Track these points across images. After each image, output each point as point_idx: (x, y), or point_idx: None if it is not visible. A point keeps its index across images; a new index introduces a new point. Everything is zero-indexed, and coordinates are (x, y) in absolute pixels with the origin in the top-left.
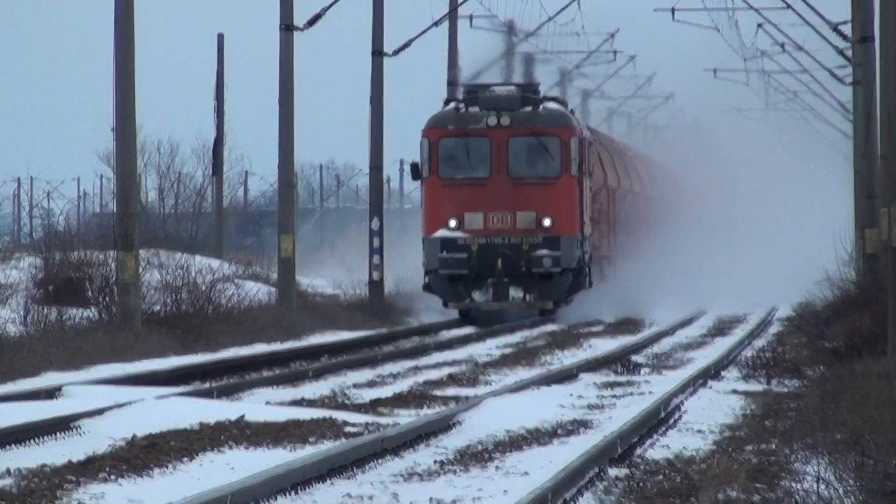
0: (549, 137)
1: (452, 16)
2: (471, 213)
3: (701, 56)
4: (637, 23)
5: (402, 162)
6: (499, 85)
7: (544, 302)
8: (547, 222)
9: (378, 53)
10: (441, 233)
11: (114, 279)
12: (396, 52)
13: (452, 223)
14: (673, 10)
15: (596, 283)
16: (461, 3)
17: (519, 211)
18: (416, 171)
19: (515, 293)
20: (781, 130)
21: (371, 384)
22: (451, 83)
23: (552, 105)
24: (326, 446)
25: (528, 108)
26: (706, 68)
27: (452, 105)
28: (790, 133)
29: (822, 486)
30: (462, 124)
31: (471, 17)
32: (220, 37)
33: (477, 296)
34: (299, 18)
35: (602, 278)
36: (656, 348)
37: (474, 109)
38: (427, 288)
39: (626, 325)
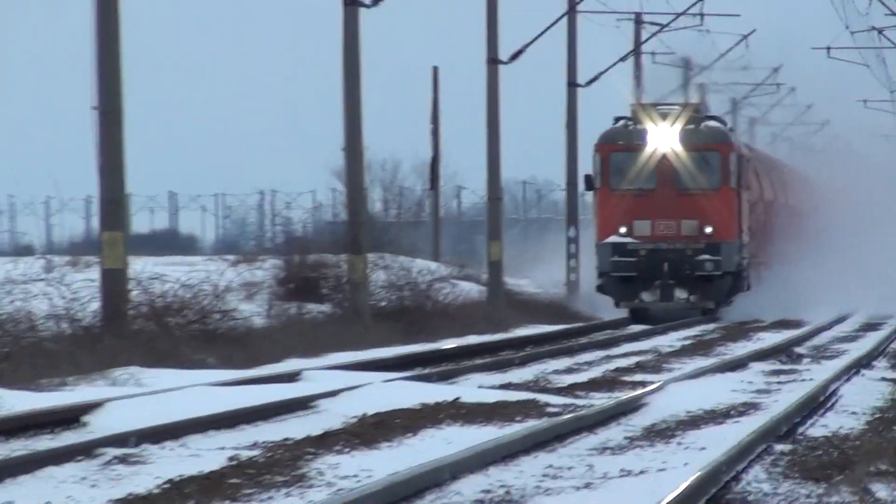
0: (711, 152)
1: (637, 52)
2: (639, 221)
3: (853, 88)
4: (797, 59)
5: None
6: (665, 105)
7: (706, 302)
8: (709, 229)
9: (572, 84)
10: (612, 239)
11: (345, 279)
12: (588, 84)
13: (622, 230)
14: (828, 49)
15: (754, 286)
16: (644, 41)
17: (683, 219)
18: (589, 183)
19: (680, 294)
20: None
21: (569, 371)
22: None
23: (713, 123)
24: (530, 424)
25: (692, 126)
26: (858, 99)
27: (622, 122)
28: None
29: None
30: (631, 140)
31: (653, 54)
32: (436, 69)
33: (645, 296)
34: (504, 53)
35: (759, 282)
36: (815, 341)
37: (640, 128)
38: (600, 289)
39: (784, 322)
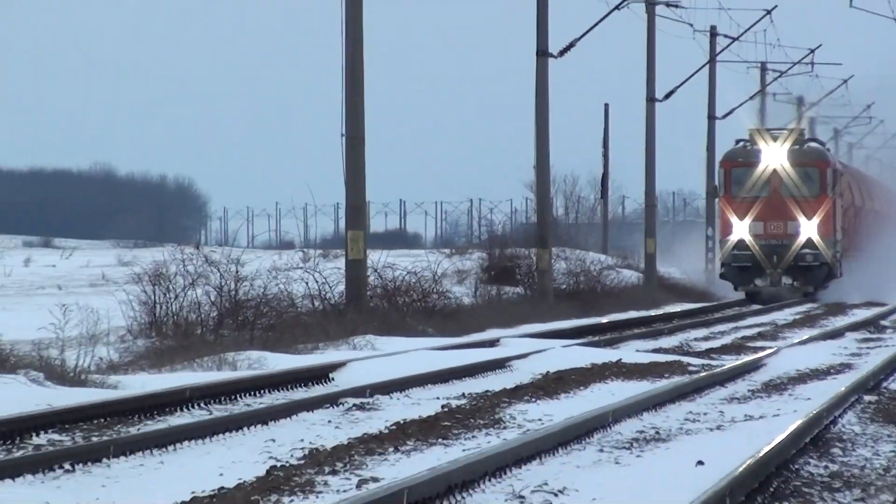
0: (811, 167)
1: (762, 92)
2: (754, 222)
3: None
4: (886, 96)
5: None
6: (775, 129)
7: (806, 287)
8: (812, 229)
9: (711, 118)
10: (733, 236)
11: (534, 267)
12: (724, 117)
13: (741, 228)
14: None
15: (845, 274)
16: (768, 84)
17: (789, 220)
18: (714, 192)
19: (786, 280)
20: None
21: (705, 338)
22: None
23: (814, 144)
24: (676, 380)
25: (797, 146)
26: None
27: (741, 143)
28: None
29: None
30: (748, 158)
31: (774, 95)
32: (606, 106)
33: (758, 281)
34: (659, 92)
35: (849, 271)
36: (895, 317)
37: (758, 146)
38: (723, 276)
39: (870, 303)
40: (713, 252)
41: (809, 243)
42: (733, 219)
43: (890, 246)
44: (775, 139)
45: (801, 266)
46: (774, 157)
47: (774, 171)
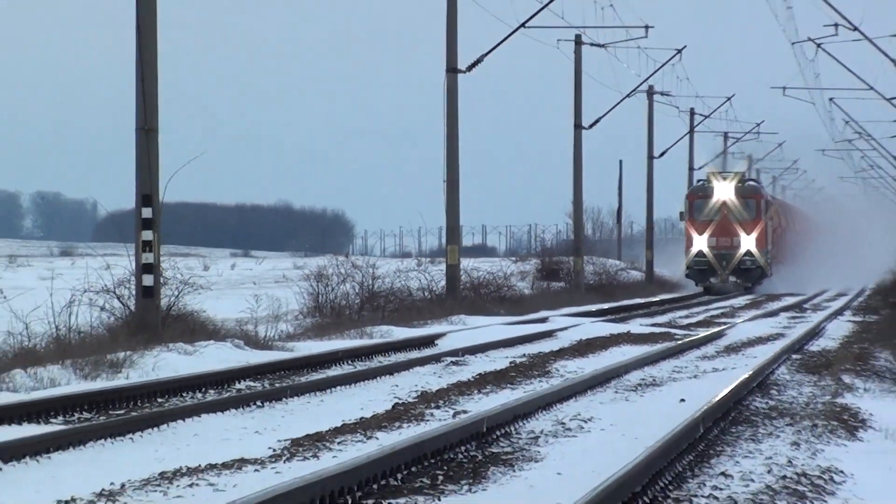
0: (751, 199)
1: (724, 154)
2: (710, 237)
3: (821, 144)
4: (801, 144)
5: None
6: (725, 172)
7: (746, 283)
8: (749, 242)
9: (691, 169)
10: (695, 248)
11: (572, 269)
12: (700, 168)
13: (701, 242)
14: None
15: (774, 275)
16: (730, 146)
17: (734, 237)
18: (682, 216)
19: (732, 278)
20: (865, 186)
21: (686, 317)
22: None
23: (752, 182)
24: (666, 344)
25: (740, 184)
26: (817, 149)
27: (700, 182)
28: (872, 190)
29: (885, 362)
30: (705, 193)
31: (732, 154)
32: (621, 162)
33: (712, 280)
34: (657, 152)
35: (777, 272)
36: (812, 302)
37: (712, 185)
38: (687, 276)
39: (793, 294)
40: None
41: (749, 253)
42: (695, 235)
43: (804, 255)
44: (725, 178)
45: (742, 269)
46: (724, 191)
47: (724, 201)
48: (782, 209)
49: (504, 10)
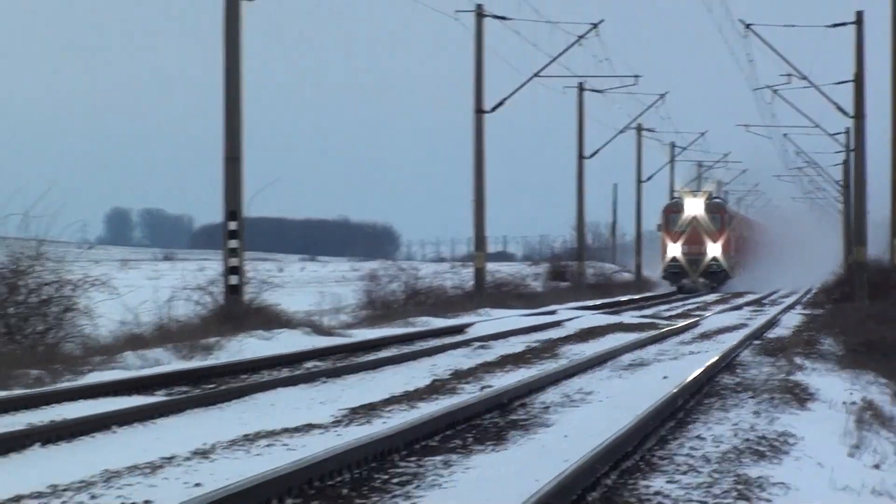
0: (716, 213)
1: (699, 178)
2: (682, 245)
3: (777, 170)
4: (763, 166)
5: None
6: (695, 191)
7: (713, 284)
8: (715, 249)
9: (672, 191)
10: (669, 254)
11: (576, 270)
12: (678, 190)
13: (674, 249)
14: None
15: (735, 277)
16: (704, 172)
17: (702, 245)
18: (659, 227)
19: (701, 280)
20: (812, 204)
21: (668, 310)
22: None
23: (717, 200)
24: (652, 332)
25: (707, 201)
26: (774, 174)
27: (674, 199)
28: (818, 208)
29: (829, 347)
30: (679, 208)
31: (706, 178)
32: (615, 185)
33: (685, 281)
34: (645, 176)
35: (739, 275)
36: (769, 298)
37: (684, 201)
38: (663, 277)
39: (752, 292)
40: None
41: (715, 258)
42: (669, 243)
43: (762, 260)
44: (695, 196)
45: (710, 271)
46: (694, 207)
47: (694, 215)
48: (743, 222)
49: (520, 62)
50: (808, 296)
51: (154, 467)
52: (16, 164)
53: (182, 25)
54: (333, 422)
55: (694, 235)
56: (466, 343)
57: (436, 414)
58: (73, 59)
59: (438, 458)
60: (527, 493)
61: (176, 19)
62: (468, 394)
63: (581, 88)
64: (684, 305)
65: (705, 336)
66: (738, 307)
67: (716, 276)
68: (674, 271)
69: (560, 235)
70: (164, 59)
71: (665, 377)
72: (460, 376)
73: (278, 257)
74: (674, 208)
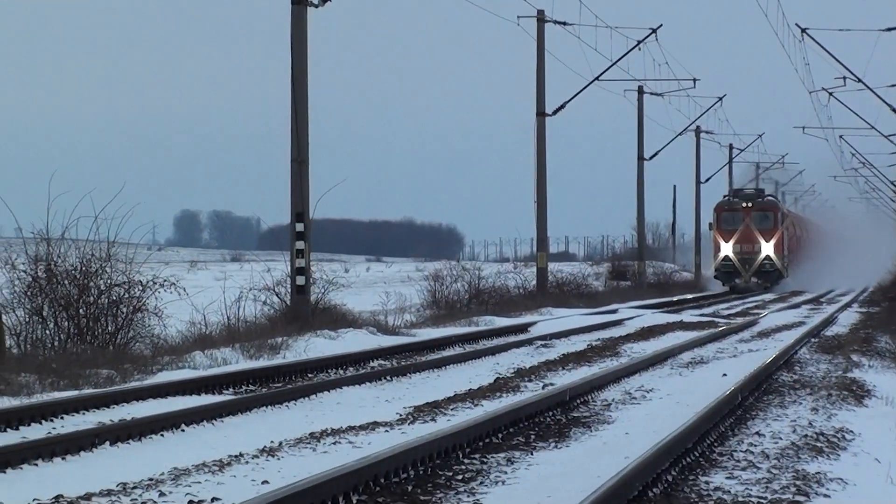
0: (769, 212)
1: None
2: (734, 244)
3: (833, 171)
4: (815, 169)
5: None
6: (745, 188)
7: (766, 283)
8: (768, 248)
9: (730, 191)
10: (722, 253)
11: (636, 270)
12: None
13: (727, 248)
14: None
15: (790, 276)
16: (761, 173)
17: (755, 244)
18: (710, 226)
19: (753, 279)
20: (868, 204)
21: (727, 308)
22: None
23: (770, 197)
24: (711, 330)
25: (760, 199)
26: (830, 175)
27: (726, 197)
28: (873, 208)
29: (886, 344)
30: (730, 206)
31: (763, 179)
32: (675, 186)
33: (737, 280)
34: (704, 177)
35: (792, 274)
36: (825, 297)
37: (735, 199)
38: (715, 277)
39: (808, 291)
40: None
41: (768, 257)
42: (722, 242)
43: (814, 259)
44: (746, 194)
45: (762, 271)
46: (746, 205)
47: (746, 213)
48: (797, 221)
49: (581, 66)
50: (865, 295)
51: (222, 465)
52: (88, 168)
53: (251, 31)
54: (398, 420)
55: (746, 234)
56: (529, 342)
57: (499, 411)
58: (145, 68)
59: (502, 454)
60: (589, 489)
61: (244, 26)
62: (531, 392)
63: (640, 92)
64: (743, 304)
65: (763, 334)
66: (796, 305)
67: (769, 276)
68: (726, 270)
69: (620, 235)
70: (233, 64)
71: (724, 374)
72: (523, 374)
73: (344, 258)
74: (726, 206)
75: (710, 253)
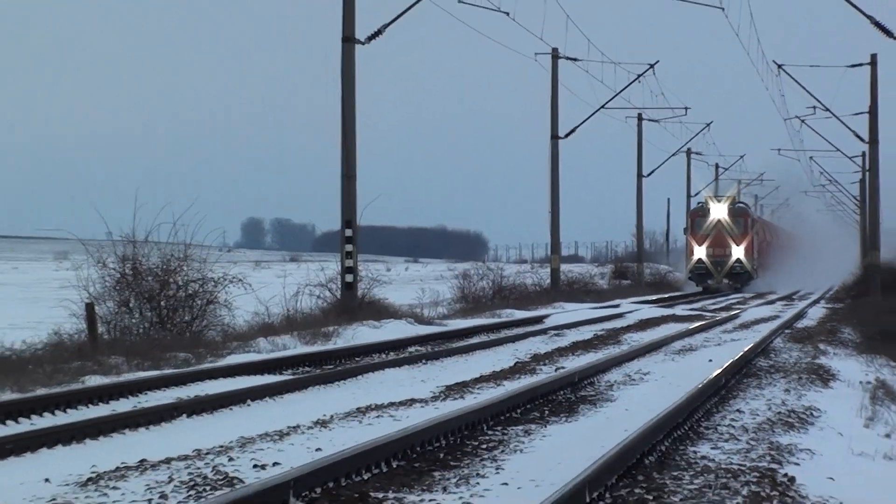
0: (740, 217)
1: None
2: (707, 248)
3: (804, 187)
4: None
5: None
6: (719, 196)
7: (737, 284)
8: (739, 252)
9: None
10: (695, 256)
11: (636, 271)
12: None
13: (700, 252)
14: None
15: (759, 278)
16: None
17: (727, 247)
18: (685, 231)
19: (725, 280)
20: (834, 216)
21: (713, 304)
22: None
23: (741, 204)
24: (699, 323)
25: (731, 205)
26: (801, 190)
27: (699, 203)
28: (838, 218)
29: (848, 335)
30: (704, 213)
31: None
32: (669, 199)
33: (710, 282)
34: (694, 191)
35: (761, 276)
36: (797, 294)
37: (709, 206)
38: (689, 278)
39: (774, 292)
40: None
41: (738, 260)
42: (695, 246)
43: (782, 262)
44: (719, 201)
45: (734, 272)
46: (719, 211)
47: (719, 219)
48: (766, 226)
49: (589, 96)
50: (829, 293)
51: (282, 434)
52: (168, 181)
53: (308, 65)
54: (432, 397)
55: (719, 238)
56: (544, 331)
57: (518, 390)
58: (219, 98)
59: (520, 427)
60: (594, 457)
61: (304, 60)
62: (545, 374)
63: (640, 118)
64: (727, 300)
65: (744, 326)
66: (772, 302)
67: (739, 277)
68: (699, 272)
69: (622, 241)
70: (293, 89)
71: (710, 360)
72: (538, 359)
73: (386, 259)
74: (699, 212)
75: (684, 256)
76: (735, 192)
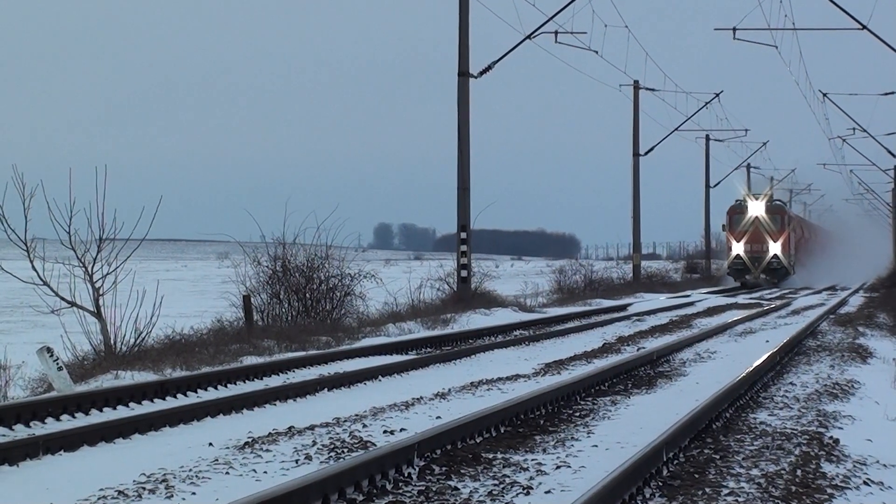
0: (777, 214)
1: (771, 183)
2: (745, 244)
3: (846, 195)
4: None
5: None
6: (757, 193)
7: (774, 279)
8: (776, 248)
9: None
10: (734, 252)
11: (704, 266)
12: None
13: (738, 248)
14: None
15: (796, 273)
16: (776, 183)
17: (764, 244)
18: (724, 228)
19: (762, 276)
20: (870, 219)
21: (770, 293)
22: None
23: (778, 202)
24: (758, 310)
25: (768, 203)
26: (843, 198)
27: (737, 201)
28: (873, 219)
29: (883, 319)
30: (741, 210)
31: (775, 185)
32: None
33: (748, 277)
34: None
35: (797, 272)
36: (838, 287)
37: (746, 203)
38: (728, 274)
39: (812, 286)
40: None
41: (775, 256)
42: (733, 242)
43: (818, 259)
44: (756, 198)
45: (771, 268)
46: (756, 208)
47: (756, 216)
48: (802, 223)
49: (664, 120)
50: (868, 283)
51: (407, 405)
52: (313, 192)
53: (432, 96)
54: (534, 373)
55: (756, 234)
56: (627, 317)
57: (606, 367)
58: (359, 120)
59: (607, 398)
60: (670, 422)
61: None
62: (628, 353)
63: (707, 139)
64: (781, 290)
65: (795, 312)
66: (819, 291)
67: (776, 273)
68: (737, 268)
69: (693, 241)
70: (418, 115)
71: (767, 341)
72: (623, 340)
73: (495, 257)
74: (737, 210)
75: (724, 251)
76: (770, 190)
